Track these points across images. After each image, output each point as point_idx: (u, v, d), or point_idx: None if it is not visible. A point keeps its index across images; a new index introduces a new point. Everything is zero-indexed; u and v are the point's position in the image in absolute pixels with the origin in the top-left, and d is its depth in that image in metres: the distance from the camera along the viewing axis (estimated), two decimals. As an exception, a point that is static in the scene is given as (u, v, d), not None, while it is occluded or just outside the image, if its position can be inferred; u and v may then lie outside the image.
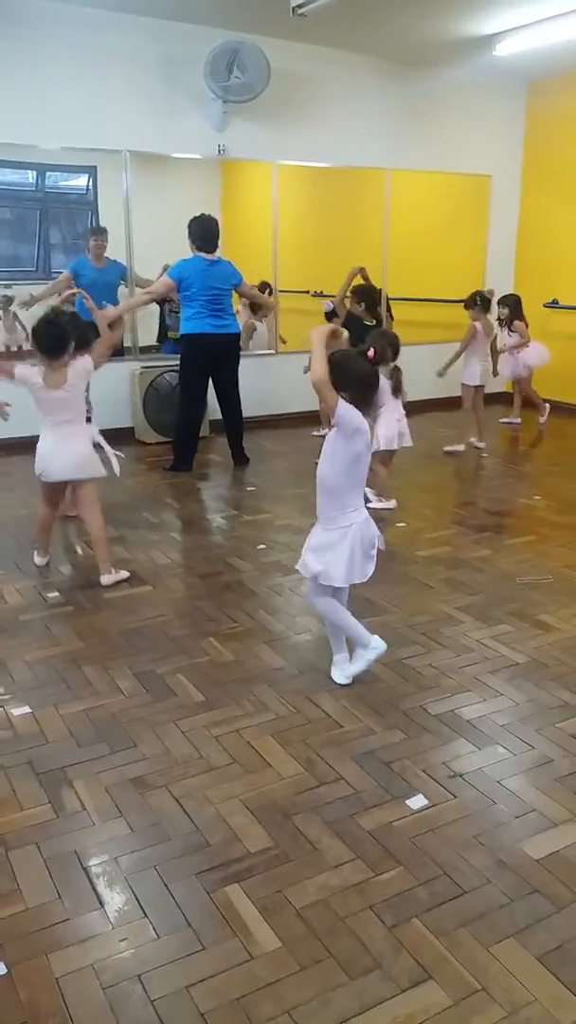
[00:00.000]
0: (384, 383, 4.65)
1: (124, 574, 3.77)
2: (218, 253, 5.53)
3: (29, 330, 6.74)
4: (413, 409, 4.89)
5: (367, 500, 3.33)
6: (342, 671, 2.86)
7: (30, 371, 3.57)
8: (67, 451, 3.64)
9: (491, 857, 2.01)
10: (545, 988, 1.65)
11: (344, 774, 2.33)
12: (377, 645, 2.82)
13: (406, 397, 4.82)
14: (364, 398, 2.63)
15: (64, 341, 3.58)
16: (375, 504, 4.81)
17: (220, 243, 5.56)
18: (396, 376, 4.71)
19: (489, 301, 6.27)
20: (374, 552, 2.74)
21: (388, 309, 7.42)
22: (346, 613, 2.83)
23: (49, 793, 2.25)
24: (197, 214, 5.51)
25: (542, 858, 2.00)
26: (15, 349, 6.95)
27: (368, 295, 5.95)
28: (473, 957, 1.72)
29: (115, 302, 6.15)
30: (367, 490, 4.74)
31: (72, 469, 3.68)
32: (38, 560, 3.93)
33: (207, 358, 5.59)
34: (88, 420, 4.01)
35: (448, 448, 6.20)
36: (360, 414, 2.60)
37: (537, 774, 2.34)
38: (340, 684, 2.83)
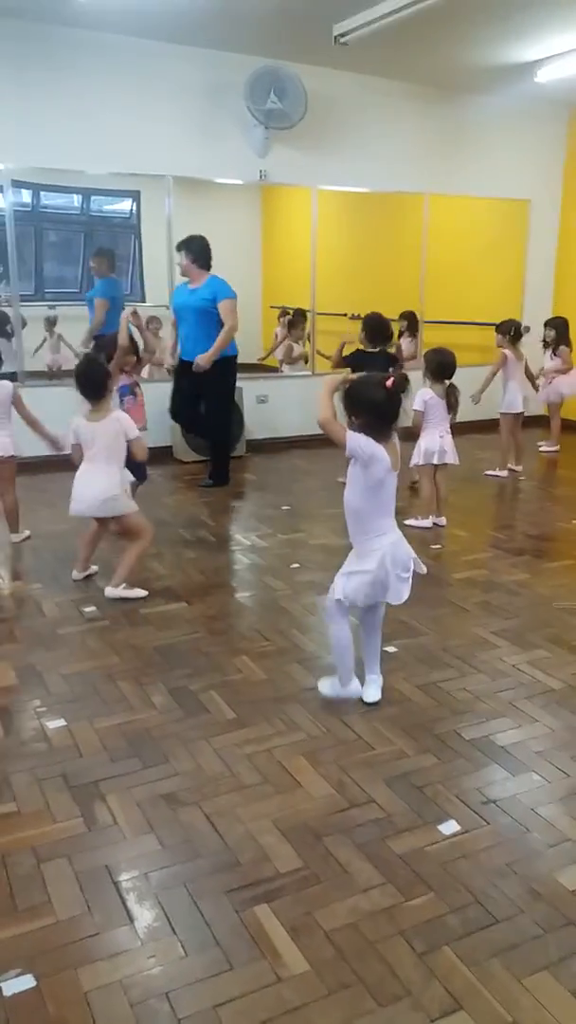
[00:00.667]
0: (438, 401, 4.67)
1: (139, 592, 3.79)
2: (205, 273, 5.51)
3: (75, 350, 6.91)
4: (455, 430, 4.88)
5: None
6: (371, 690, 2.86)
7: (74, 426, 3.77)
8: (97, 489, 3.74)
9: (524, 886, 1.97)
10: (579, 1023, 1.61)
11: (376, 796, 2.31)
12: (353, 691, 2.83)
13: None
14: (374, 425, 2.60)
15: (102, 383, 3.77)
16: (411, 522, 4.80)
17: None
18: (452, 394, 4.72)
19: (521, 335, 6.26)
20: (407, 575, 2.69)
21: (414, 333, 7.37)
22: (345, 648, 2.77)
23: (82, 806, 2.26)
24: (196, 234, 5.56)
25: (577, 889, 1.97)
26: (56, 368, 7.09)
27: (369, 326, 5.57)
28: (505, 988, 1.69)
29: None
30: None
31: (97, 507, 3.78)
32: (75, 574, 3.97)
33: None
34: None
35: (490, 472, 6.17)
36: (372, 441, 2.58)
37: (572, 803, 2.30)
38: (367, 703, 2.82)
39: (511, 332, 6.16)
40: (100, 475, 3.74)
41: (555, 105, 7.61)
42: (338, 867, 2.03)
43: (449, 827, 2.19)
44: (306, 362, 7.43)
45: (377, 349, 5.44)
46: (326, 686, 2.88)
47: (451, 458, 4.81)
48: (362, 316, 6.88)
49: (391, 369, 4.59)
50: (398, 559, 2.66)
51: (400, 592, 2.69)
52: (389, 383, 2.57)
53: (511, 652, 3.24)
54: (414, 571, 2.73)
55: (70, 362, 6.90)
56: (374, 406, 2.59)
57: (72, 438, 3.79)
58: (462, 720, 2.74)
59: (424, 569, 2.80)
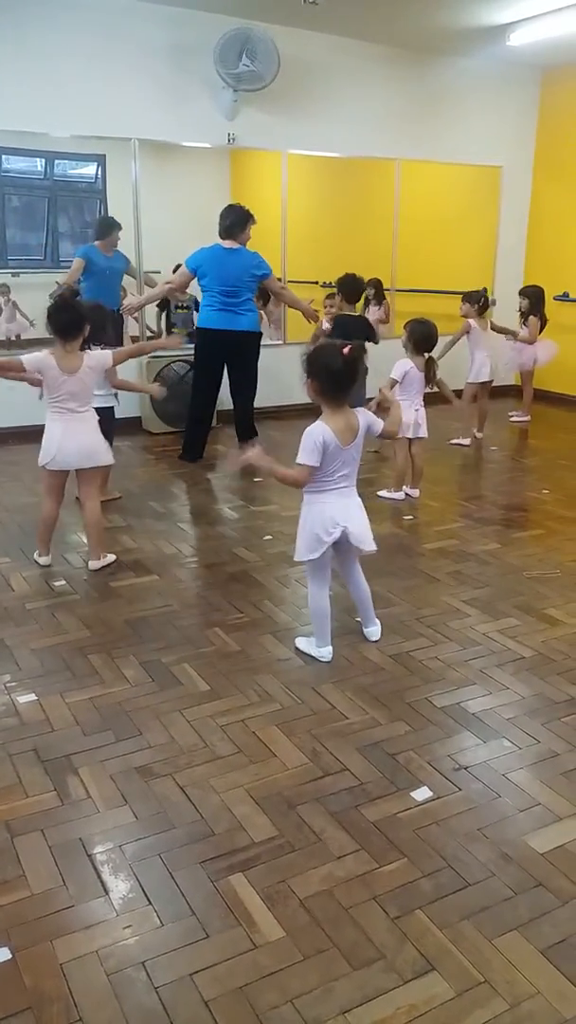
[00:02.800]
0: (417, 374, 4.65)
1: (111, 557, 3.81)
2: (240, 243, 5.40)
3: (29, 319, 6.77)
4: (428, 400, 4.88)
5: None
6: (370, 631, 3.10)
7: (38, 357, 3.54)
8: (76, 439, 3.63)
9: (495, 850, 2.01)
10: (548, 981, 1.65)
11: (349, 765, 2.33)
12: (322, 655, 2.95)
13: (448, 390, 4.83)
14: (327, 391, 2.71)
15: (79, 323, 3.58)
16: (383, 494, 4.81)
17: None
18: (431, 367, 4.70)
19: (487, 306, 6.27)
20: (327, 539, 2.79)
21: (380, 300, 7.29)
22: (316, 612, 2.94)
23: (54, 780, 2.26)
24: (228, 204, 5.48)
25: (547, 852, 2.00)
26: (14, 338, 6.95)
27: (347, 286, 5.52)
28: (476, 949, 1.72)
29: (118, 293, 6.16)
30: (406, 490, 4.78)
31: (83, 457, 3.67)
32: (42, 560, 3.82)
33: (215, 353, 5.52)
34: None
35: (454, 441, 6.19)
36: (319, 445, 2.69)
37: (542, 768, 2.34)
38: (297, 647, 3.01)
39: (479, 302, 6.16)
40: (79, 424, 3.63)
41: (527, 69, 7.53)
42: (312, 835, 2.05)
43: (421, 794, 2.21)
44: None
45: (357, 313, 5.39)
46: (302, 642, 3.02)
47: (423, 432, 4.81)
48: (333, 284, 6.83)
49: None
50: (323, 519, 2.80)
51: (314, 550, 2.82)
52: (346, 351, 2.65)
53: (482, 621, 3.27)
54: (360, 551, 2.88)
55: (27, 330, 6.76)
56: (330, 372, 2.67)
57: (30, 366, 3.52)
58: (434, 688, 2.77)
59: (368, 548, 2.88)
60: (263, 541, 4.16)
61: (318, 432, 2.71)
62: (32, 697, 2.69)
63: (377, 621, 3.12)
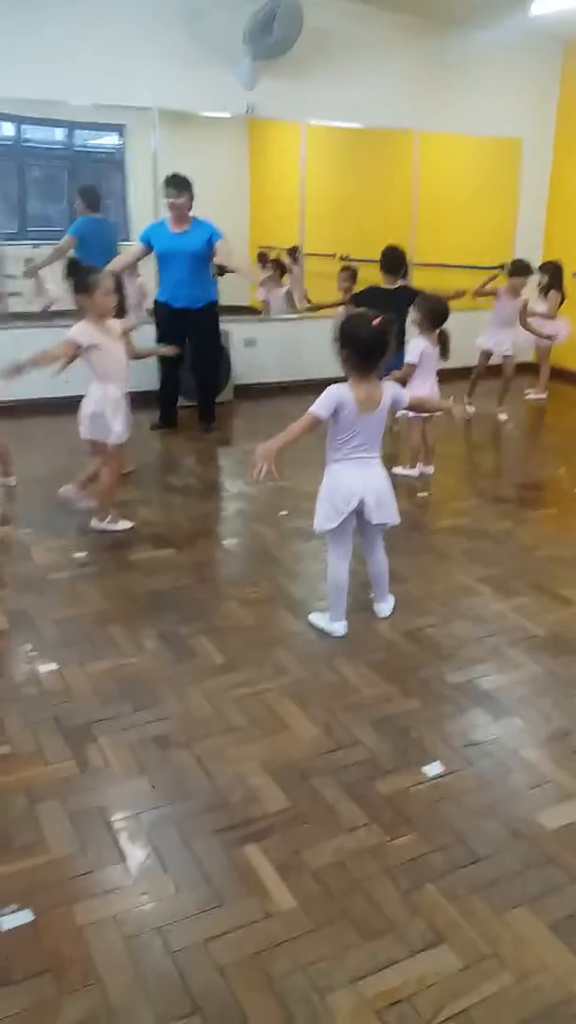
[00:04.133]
0: (432, 351, 4.61)
1: (125, 524, 3.91)
2: (193, 213, 5.38)
3: (51, 292, 6.76)
4: (441, 377, 4.84)
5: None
6: (381, 607, 3.12)
7: (84, 331, 3.61)
8: (125, 409, 3.76)
9: (506, 826, 2.04)
10: (556, 956, 1.68)
11: (362, 739, 2.37)
12: (334, 629, 2.98)
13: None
14: (355, 361, 2.74)
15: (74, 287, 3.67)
16: (398, 471, 4.81)
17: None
18: (445, 340, 4.67)
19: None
20: (345, 509, 2.81)
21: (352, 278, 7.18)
22: (333, 584, 2.96)
23: (74, 748, 2.30)
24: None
25: (557, 829, 2.03)
26: (46, 309, 6.93)
27: (386, 257, 5.44)
28: (486, 923, 1.75)
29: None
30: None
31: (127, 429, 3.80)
32: (127, 523, 3.94)
33: (168, 330, 5.48)
34: None
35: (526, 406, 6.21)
36: (334, 398, 2.73)
37: (554, 746, 2.36)
38: (311, 622, 3.04)
39: (513, 272, 6.08)
40: (122, 398, 3.77)
41: (549, 40, 7.37)
42: (325, 807, 2.09)
43: (433, 769, 2.24)
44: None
45: (396, 285, 5.31)
46: (315, 617, 3.06)
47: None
48: (351, 257, 6.77)
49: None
50: (338, 488, 2.83)
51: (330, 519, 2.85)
52: (376, 322, 2.67)
53: (495, 599, 3.29)
54: (381, 523, 2.91)
55: (57, 302, 6.74)
56: (357, 342, 2.69)
57: (84, 340, 3.60)
58: (446, 665, 2.79)
59: (390, 520, 2.92)
60: (279, 516, 4.18)
61: (337, 391, 2.75)
62: (53, 667, 2.73)
63: (390, 598, 3.14)
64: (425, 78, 7.03)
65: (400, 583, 3.37)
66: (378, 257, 5.50)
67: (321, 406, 2.74)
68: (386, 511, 2.90)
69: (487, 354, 6.22)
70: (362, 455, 2.84)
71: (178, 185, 5.26)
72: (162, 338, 5.39)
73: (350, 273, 6.43)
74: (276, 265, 7.31)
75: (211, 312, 5.66)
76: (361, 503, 2.83)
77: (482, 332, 6.19)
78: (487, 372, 6.30)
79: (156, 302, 5.51)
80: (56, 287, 6.68)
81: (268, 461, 2.76)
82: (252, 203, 8.00)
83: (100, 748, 2.31)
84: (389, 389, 2.83)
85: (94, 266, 3.85)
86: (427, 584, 3.41)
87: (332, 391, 2.75)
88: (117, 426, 3.76)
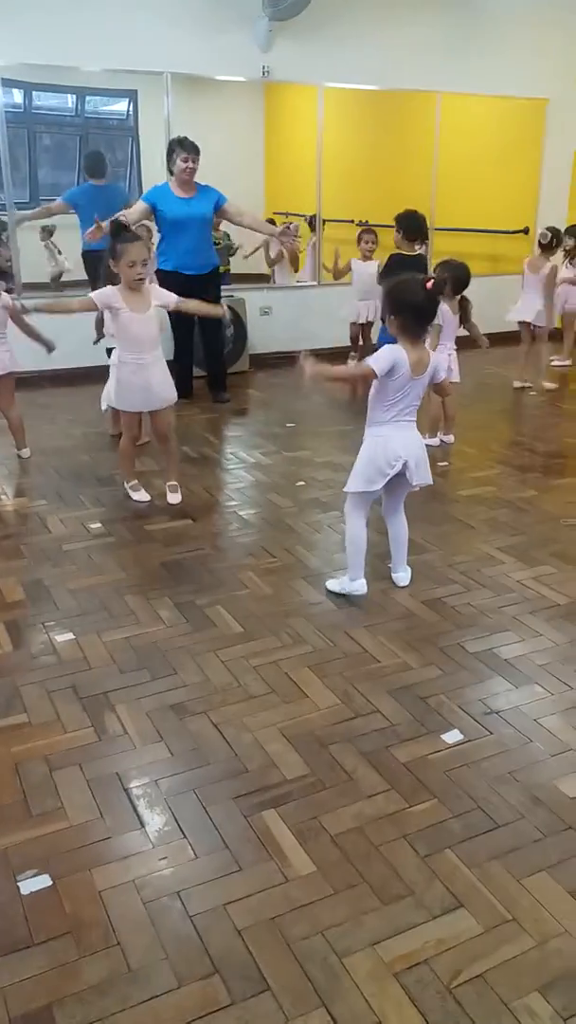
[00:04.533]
0: (452, 317, 4.54)
1: (177, 497, 3.90)
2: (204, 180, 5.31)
3: (64, 261, 6.74)
4: (461, 344, 4.77)
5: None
6: (399, 576, 3.10)
7: (105, 294, 3.58)
8: (160, 379, 3.73)
9: (525, 793, 2.02)
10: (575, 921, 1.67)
11: (380, 707, 2.35)
12: (355, 588, 2.98)
13: (479, 332, 4.70)
14: (410, 326, 2.73)
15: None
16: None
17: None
18: (465, 307, 4.59)
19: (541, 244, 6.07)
20: (389, 472, 2.81)
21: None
22: (353, 544, 2.96)
23: (92, 716, 2.31)
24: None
25: (577, 796, 2.01)
26: (51, 279, 6.90)
27: (407, 223, 5.19)
28: (505, 888, 1.75)
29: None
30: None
31: (165, 397, 3.78)
32: (135, 495, 3.93)
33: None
34: None
35: (518, 384, 6.13)
36: (390, 358, 2.70)
37: (574, 714, 2.33)
38: (328, 589, 3.04)
39: (553, 243, 5.99)
40: (158, 365, 3.74)
41: (576, -6, 7.17)
42: (343, 774, 2.08)
43: (452, 736, 2.23)
44: (296, 269, 7.21)
45: (416, 252, 5.11)
46: (333, 583, 3.05)
47: (456, 376, 4.71)
48: (369, 223, 6.64)
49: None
50: (386, 452, 2.81)
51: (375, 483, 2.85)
52: (429, 284, 2.69)
53: (516, 568, 3.25)
54: (419, 485, 2.90)
55: (71, 273, 6.71)
56: (413, 307, 2.70)
57: (101, 304, 3.60)
58: (466, 634, 2.77)
59: (426, 481, 2.92)
60: (296, 487, 4.15)
61: (396, 351, 2.72)
62: (70, 636, 2.74)
63: (408, 568, 3.12)
64: (447, 38, 6.87)
65: (421, 552, 3.34)
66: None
67: (379, 361, 2.71)
68: (423, 473, 2.92)
69: (525, 325, 6.11)
70: (406, 419, 2.85)
71: (194, 149, 5.18)
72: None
73: (374, 236, 6.32)
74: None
75: (216, 276, 5.63)
76: (404, 465, 2.83)
77: (517, 304, 6.07)
78: (518, 340, 6.21)
79: (163, 271, 5.34)
80: (67, 257, 6.67)
81: (313, 377, 2.78)
82: (267, 169, 7.88)
83: (118, 716, 2.31)
84: (433, 358, 2.84)
85: (133, 233, 3.77)
86: (448, 553, 3.38)
87: (391, 350, 2.72)
88: (127, 394, 3.74)
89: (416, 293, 2.69)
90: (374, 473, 2.84)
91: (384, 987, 1.53)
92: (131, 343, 3.65)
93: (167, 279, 5.40)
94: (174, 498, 3.89)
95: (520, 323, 6.10)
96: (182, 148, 5.17)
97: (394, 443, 2.82)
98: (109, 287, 3.59)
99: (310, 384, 2.78)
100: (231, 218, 5.48)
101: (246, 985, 1.53)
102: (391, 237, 5.33)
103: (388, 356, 2.71)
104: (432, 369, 2.83)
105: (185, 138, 5.22)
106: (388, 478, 2.83)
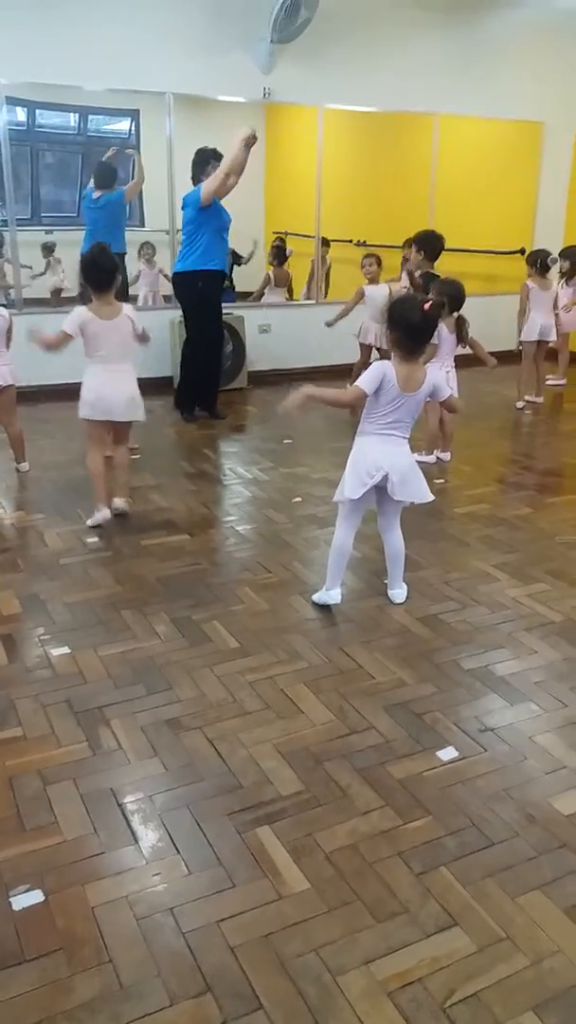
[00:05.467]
0: (448, 335, 4.57)
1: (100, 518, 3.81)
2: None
3: (67, 274, 6.78)
4: (460, 363, 4.80)
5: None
6: (395, 593, 3.11)
7: (73, 316, 3.59)
8: (122, 390, 3.69)
9: (520, 811, 2.02)
10: (570, 940, 1.66)
11: (375, 723, 2.35)
12: (329, 598, 3.03)
13: (483, 350, 4.74)
14: (404, 343, 2.79)
15: (112, 274, 3.65)
16: (415, 457, 4.77)
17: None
18: (462, 326, 4.62)
19: (548, 267, 6.15)
20: (369, 480, 2.84)
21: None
22: (335, 551, 2.99)
23: (86, 731, 2.30)
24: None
25: (572, 814, 2.01)
26: (50, 294, 6.95)
27: (430, 242, 5.29)
28: (499, 907, 1.74)
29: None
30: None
31: (127, 410, 3.73)
32: (101, 518, 3.77)
33: (217, 297, 5.66)
34: None
35: (522, 402, 6.19)
36: (377, 375, 2.77)
37: (569, 732, 2.33)
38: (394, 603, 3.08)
39: (537, 264, 6.05)
40: (122, 375, 3.70)
41: (572, 21, 7.26)
42: (338, 790, 2.08)
43: (447, 753, 2.23)
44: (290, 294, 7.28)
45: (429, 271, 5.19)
46: (317, 596, 3.08)
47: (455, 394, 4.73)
48: (368, 243, 6.69)
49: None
50: (367, 461, 2.86)
51: (355, 490, 2.86)
52: (427, 306, 2.74)
53: (512, 585, 3.26)
54: (409, 501, 2.95)
55: (70, 289, 6.75)
56: (408, 325, 2.76)
57: (70, 328, 3.57)
58: (462, 651, 2.77)
59: (416, 499, 2.94)
60: (292, 503, 4.16)
61: (382, 367, 2.79)
62: (65, 650, 2.74)
63: (404, 585, 3.12)
64: (446, 61, 6.96)
65: (417, 569, 3.35)
66: (397, 243, 5.43)
67: (367, 382, 2.78)
68: (411, 489, 2.92)
69: (540, 343, 6.20)
70: (392, 432, 2.88)
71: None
72: (211, 308, 5.55)
73: (376, 259, 6.36)
74: (275, 252, 7.25)
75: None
76: (385, 478, 2.85)
77: (528, 325, 6.13)
78: (513, 359, 6.26)
79: (212, 271, 5.45)
80: (68, 272, 6.71)
81: (300, 402, 2.82)
82: (267, 189, 7.94)
83: (112, 730, 2.31)
84: (432, 376, 2.87)
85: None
86: (444, 570, 3.38)
87: (378, 367, 2.80)
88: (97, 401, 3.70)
89: (414, 313, 2.75)
90: (355, 481, 2.86)
91: (378, 1006, 1.52)
92: (101, 350, 3.66)
93: (216, 279, 5.48)
94: (121, 504, 3.88)
95: (533, 342, 6.15)
96: (216, 159, 5.31)
97: (375, 453, 2.86)
98: (77, 310, 3.62)
99: (296, 406, 2.80)
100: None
101: (239, 1003, 1.52)
102: (395, 258, 5.39)
103: (375, 374, 2.78)
104: (429, 386, 2.85)
105: (216, 149, 5.35)
106: (367, 487, 2.85)
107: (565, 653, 2.76)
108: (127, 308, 3.70)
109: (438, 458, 4.83)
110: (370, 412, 2.88)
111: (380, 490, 2.91)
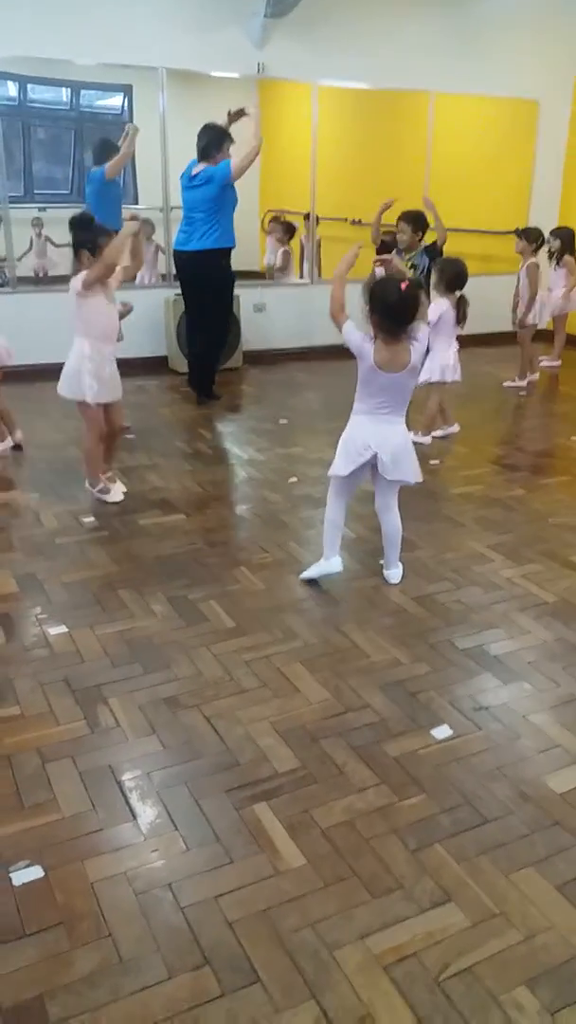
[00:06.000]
0: (450, 314, 4.55)
1: (111, 497, 3.84)
2: (216, 163, 5.23)
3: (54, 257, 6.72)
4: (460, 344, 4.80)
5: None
6: (391, 573, 3.13)
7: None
8: (68, 362, 3.71)
9: (514, 789, 2.04)
10: (563, 916, 1.69)
11: (371, 702, 2.37)
12: (328, 567, 3.06)
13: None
14: (384, 324, 2.77)
15: (77, 241, 3.60)
16: (413, 438, 4.77)
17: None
18: (463, 306, 4.60)
19: (542, 245, 6.13)
20: (359, 458, 2.88)
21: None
22: (328, 523, 3.05)
23: (84, 709, 2.32)
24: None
25: (564, 792, 2.03)
26: (41, 274, 6.89)
27: (415, 218, 5.32)
28: (493, 883, 1.76)
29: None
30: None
31: (61, 383, 3.73)
32: (117, 496, 3.85)
33: (181, 278, 5.53)
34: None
35: (509, 383, 6.18)
36: (360, 338, 2.81)
37: (562, 711, 2.36)
38: (305, 578, 3.09)
39: (537, 240, 6.00)
40: (73, 347, 3.71)
41: (569, -2, 7.20)
42: (334, 768, 2.10)
43: (442, 732, 2.25)
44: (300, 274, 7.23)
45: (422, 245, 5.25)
46: (308, 572, 3.10)
47: (457, 375, 4.74)
48: (363, 222, 6.63)
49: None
50: (355, 438, 2.91)
51: (347, 466, 2.91)
52: (403, 286, 2.71)
53: (506, 566, 3.27)
54: (400, 481, 2.97)
55: (56, 267, 6.69)
56: (386, 306, 2.73)
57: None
58: (456, 631, 2.79)
59: (406, 479, 2.96)
60: (288, 483, 4.17)
61: (366, 340, 2.81)
62: (63, 629, 2.74)
63: (399, 564, 3.14)
64: (441, 38, 6.88)
65: (412, 550, 3.36)
66: (391, 221, 5.39)
67: (355, 334, 2.82)
68: (403, 469, 2.93)
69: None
70: (384, 413, 2.89)
71: None
72: (231, 284, 5.50)
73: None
74: (286, 228, 7.20)
75: None
76: (375, 457, 2.87)
77: (538, 307, 6.11)
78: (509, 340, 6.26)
79: (229, 249, 5.42)
80: (57, 252, 6.65)
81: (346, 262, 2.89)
82: (261, 166, 7.85)
83: (110, 709, 2.32)
84: (418, 345, 2.85)
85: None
86: (438, 551, 3.40)
87: (362, 338, 2.81)
88: (95, 385, 3.67)
89: (391, 294, 2.72)
90: (346, 458, 2.91)
91: (374, 980, 1.55)
92: (102, 331, 3.67)
93: (227, 256, 5.42)
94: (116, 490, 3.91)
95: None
96: (230, 140, 5.29)
97: (365, 431, 2.89)
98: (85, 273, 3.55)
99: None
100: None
101: (236, 976, 1.55)
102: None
103: (355, 337, 2.81)
104: (417, 368, 2.86)
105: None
106: (357, 464, 2.88)
107: (558, 633, 2.78)
108: (73, 281, 3.60)
109: (447, 432, 4.84)
110: (360, 392, 2.90)
111: (374, 469, 2.92)
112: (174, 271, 5.68)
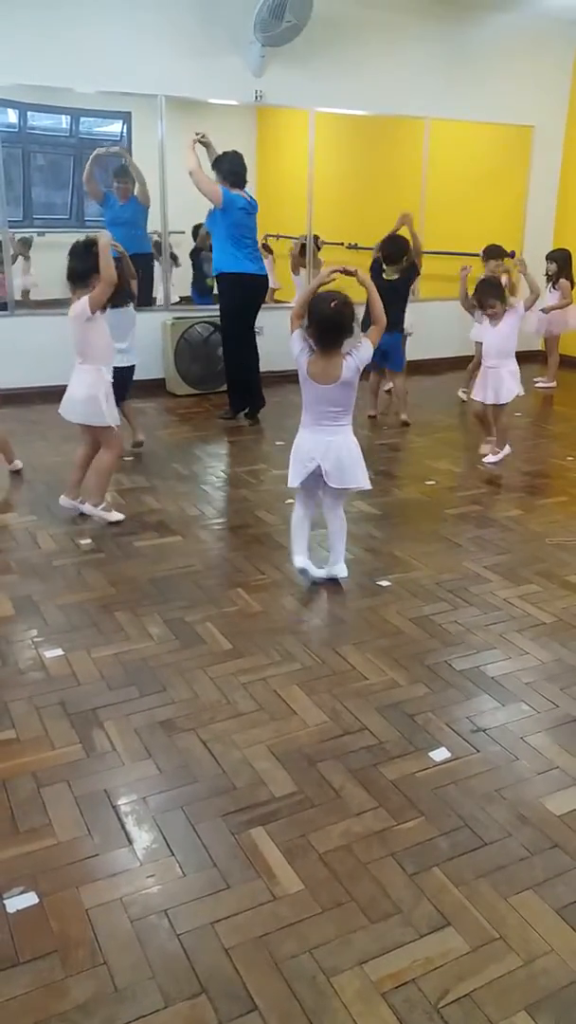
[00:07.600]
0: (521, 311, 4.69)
1: (116, 515, 3.86)
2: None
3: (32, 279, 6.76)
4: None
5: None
6: (331, 568, 3.27)
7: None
8: (72, 391, 3.76)
9: (512, 811, 2.03)
10: (563, 939, 1.67)
11: (368, 724, 2.36)
12: (297, 562, 3.20)
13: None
14: (316, 336, 2.94)
15: (79, 271, 3.65)
16: (489, 459, 4.84)
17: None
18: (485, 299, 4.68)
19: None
20: (305, 468, 3.04)
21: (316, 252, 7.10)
22: (293, 527, 3.22)
23: (80, 733, 2.30)
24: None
25: (563, 814, 2.02)
26: (20, 296, 6.90)
27: (394, 248, 5.52)
28: (492, 907, 1.75)
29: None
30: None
31: (71, 411, 3.78)
32: (64, 500, 3.91)
33: (257, 301, 5.68)
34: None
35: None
36: (299, 348, 2.98)
37: (560, 732, 2.35)
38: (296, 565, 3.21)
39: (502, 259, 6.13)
40: (79, 374, 3.75)
41: (563, 26, 7.31)
42: (331, 792, 2.09)
43: (440, 754, 2.24)
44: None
45: (396, 275, 5.47)
46: (304, 563, 3.22)
47: (520, 390, 4.80)
48: (359, 246, 6.70)
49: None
50: (299, 449, 3.08)
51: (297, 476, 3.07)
52: (333, 304, 2.87)
53: (503, 586, 3.27)
54: (347, 488, 3.13)
55: (38, 288, 6.72)
56: (316, 320, 2.92)
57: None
58: (453, 652, 2.78)
59: (352, 486, 3.09)
60: (284, 504, 4.17)
61: (304, 349, 2.98)
62: (59, 652, 2.73)
63: (341, 562, 3.26)
64: (436, 65, 6.99)
65: (408, 570, 3.36)
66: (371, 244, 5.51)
67: (297, 334, 3.00)
68: (348, 477, 3.05)
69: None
70: (325, 423, 3.03)
71: None
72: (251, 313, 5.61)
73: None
74: (265, 251, 7.24)
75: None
76: (319, 467, 3.00)
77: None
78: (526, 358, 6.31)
79: (255, 275, 5.51)
80: (36, 274, 6.69)
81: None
82: (259, 191, 7.93)
83: (106, 732, 2.31)
84: (352, 361, 2.95)
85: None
86: (436, 572, 3.40)
87: (300, 347, 2.98)
88: (113, 409, 3.79)
89: (322, 310, 2.88)
90: (296, 469, 3.07)
91: (372, 1007, 1.53)
92: (106, 355, 3.79)
93: (256, 283, 5.54)
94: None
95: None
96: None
97: (308, 444, 3.04)
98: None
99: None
100: None
101: (233, 1005, 1.53)
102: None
103: (295, 345, 2.98)
104: (348, 377, 2.95)
105: None
106: (304, 476, 3.03)
107: (556, 654, 2.77)
108: (75, 304, 3.65)
109: (500, 457, 4.86)
110: (303, 403, 3.05)
111: (320, 478, 3.05)
112: (235, 298, 5.61)
